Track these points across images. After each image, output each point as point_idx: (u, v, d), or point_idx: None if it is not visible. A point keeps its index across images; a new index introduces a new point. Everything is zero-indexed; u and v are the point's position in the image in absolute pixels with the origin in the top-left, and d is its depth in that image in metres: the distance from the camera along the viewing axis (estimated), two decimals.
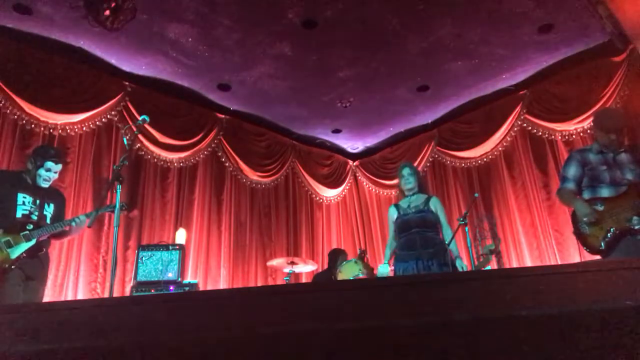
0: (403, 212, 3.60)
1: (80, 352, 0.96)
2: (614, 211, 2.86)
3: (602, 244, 2.86)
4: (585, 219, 2.93)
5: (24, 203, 3.13)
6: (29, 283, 3.02)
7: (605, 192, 2.97)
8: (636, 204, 2.80)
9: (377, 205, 7.67)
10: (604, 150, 3.07)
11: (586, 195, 3.08)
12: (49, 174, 3.26)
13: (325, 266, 6.51)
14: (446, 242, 3.47)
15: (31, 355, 0.96)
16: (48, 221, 3.22)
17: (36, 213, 3.17)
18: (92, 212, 3.31)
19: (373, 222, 7.62)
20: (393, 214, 3.69)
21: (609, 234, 2.84)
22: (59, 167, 3.34)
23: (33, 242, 3.01)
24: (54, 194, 3.41)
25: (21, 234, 2.99)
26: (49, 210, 3.26)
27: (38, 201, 3.21)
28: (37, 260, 3.10)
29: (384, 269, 3.56)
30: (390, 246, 3.67)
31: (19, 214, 3.08)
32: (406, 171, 3.71)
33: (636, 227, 2.76)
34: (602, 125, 3.07)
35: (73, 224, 3.19)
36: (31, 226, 3.05)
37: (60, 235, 3.32)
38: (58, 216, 3.32)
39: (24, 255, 2.97)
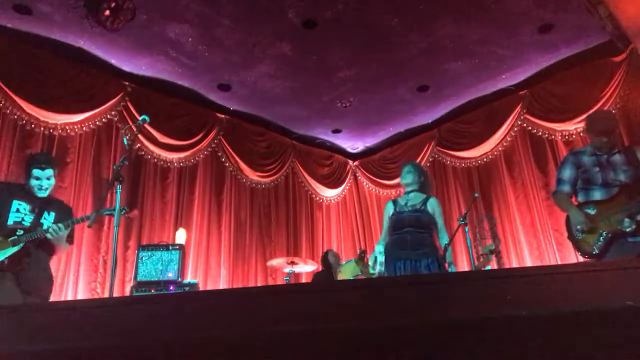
0: (399, 209, 3.55)
1: (81, 352, 0.96)
2: (606, 214, 2.86)
3: (595, 249, 2.87)
4: (578, 227, 2.94)
5: (18, 210, 3.05)
6: (27, 298, 2.91)
7: (597, 195, 2.98)
8: (627, 206, 2.80)
9: (377, 205, 7.67)
10: (597, 153, 3.08)
11: (579, 198, 3.10)
12: (41, 182, 3.11)
13: None
14: (440, 245, 3.46)
15: (32, 355, 0.96)
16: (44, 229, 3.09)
17: (29, 220, 3.05)
18: (76, 219, 3.17)
19: (373, 222, 7.61)
20: (389, 209, 3.64)
21: (601, 238, 2.85)
22: (49, 172, 3.16)
23: (20, 246, 2.92)
24: (57, 205, 3.30)
25: (9, 239, 2.92)
26: (49, 219, 3.14)
27: (37, 209, 3.11)
28: (38, 276, 3.01)
29: (371, 262, 3.50)
30: (384, 239, 3.64)
31: (10, 222, 2.99)
32: (406, 169, 3.68)
33: (627, 230, 2.76)
34: (592, 129, 3.08)
35: (48, 235, 2.98)
36: (21, 232, 2.95)
37: (51, 247, 3.15)
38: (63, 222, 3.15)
39: (6, 262, 2.87)
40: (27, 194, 3.14)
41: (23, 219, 3.04)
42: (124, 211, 3.17)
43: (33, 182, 3.12)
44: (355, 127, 7.01)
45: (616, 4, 4.43)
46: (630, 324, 0.89)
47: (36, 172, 3.12)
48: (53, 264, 4.49)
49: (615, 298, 0.95)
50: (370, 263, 3.45)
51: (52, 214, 3.19)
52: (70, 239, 3.25)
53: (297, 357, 0.94)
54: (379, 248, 3.55)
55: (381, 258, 3.38)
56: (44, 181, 3.13)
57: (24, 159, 4.37)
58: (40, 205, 3.14)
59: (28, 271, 2.97)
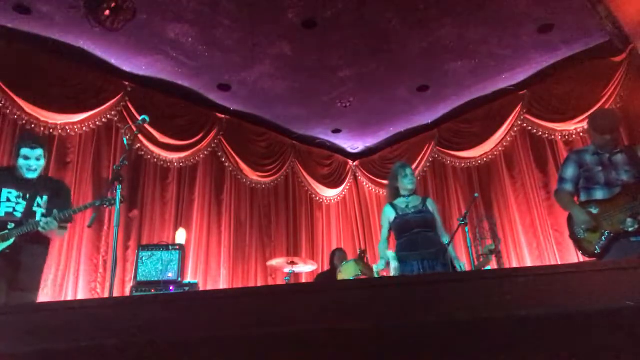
0: (402, 212, 3.54)
1: (80, 352, 0.96)
2: (608, 214, 2.86)
3: (597, 248, 2.87)
4: (583, 226, 2.93)
5: (9, 199, 2.92)
6: (13, 294, 2.80)
7: (599, 194, 2.97)
8: (629, 205, 2.79)
9: (377, 205, 7.67)
10: (599, 152, 3.07)
11: (582, 197, 3.09)
12: (30, 162, 2.99)
13: (325, 266, 6.54)
14: (443, 242, 3.46)
15: (31, 355, 0.96)
16: (38, 217, 2.95)
17: (21, 209, 2.93)
18: (73, 210, 3.03)
19: (373, 222, 7.61)
20: (390, 213, 3.60)
21: (603, 238, 2.85)
22: (38, 151, 3.02)
23: (11, 241, 2.82)
24: (49, 185, 3.14)
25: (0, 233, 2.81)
26: (42, 203, 3.01)
27: (28, 195, 2.97)
28: (23, 267, 2.87)
29: (380, 267, 3.50)
30: (385, 243, 3.63)
31: (1, 213, 2.88)
32: (409, 171, 3.66)
33: (630, 229, 2.76)
34: (596, 127, 3.06)
35: (39, 228, 2.85)
36: (12, 225, 2.85)
37: (46, 237, 3.03)
38: (57, 208, 2.99)
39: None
40: (15, 178, 3.01)
41: (14, 209, 2.92)
42: (122, 200, 3.06)
43: (21, 162, 3.00)
44: (355, 127, 7.01)
45: (616, 4, 4.43)
46: (631, 324, 0.89)
47: (25, 151, 3.01)
48: (53, 263, 4.52)
49: (615, 298, 0.95)
50: (381, 267, 3.44)
51: (45, 198, 3.05)
52: (65, 225, 3.08)
53: (297, 357, 0.94)
54: (382, 248, 3.55)
55: (394, 261, 3.38)
56: (33, 161, 3.01)
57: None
58: (30, 190, 3.01)
59: (19, 277, 2.84)
